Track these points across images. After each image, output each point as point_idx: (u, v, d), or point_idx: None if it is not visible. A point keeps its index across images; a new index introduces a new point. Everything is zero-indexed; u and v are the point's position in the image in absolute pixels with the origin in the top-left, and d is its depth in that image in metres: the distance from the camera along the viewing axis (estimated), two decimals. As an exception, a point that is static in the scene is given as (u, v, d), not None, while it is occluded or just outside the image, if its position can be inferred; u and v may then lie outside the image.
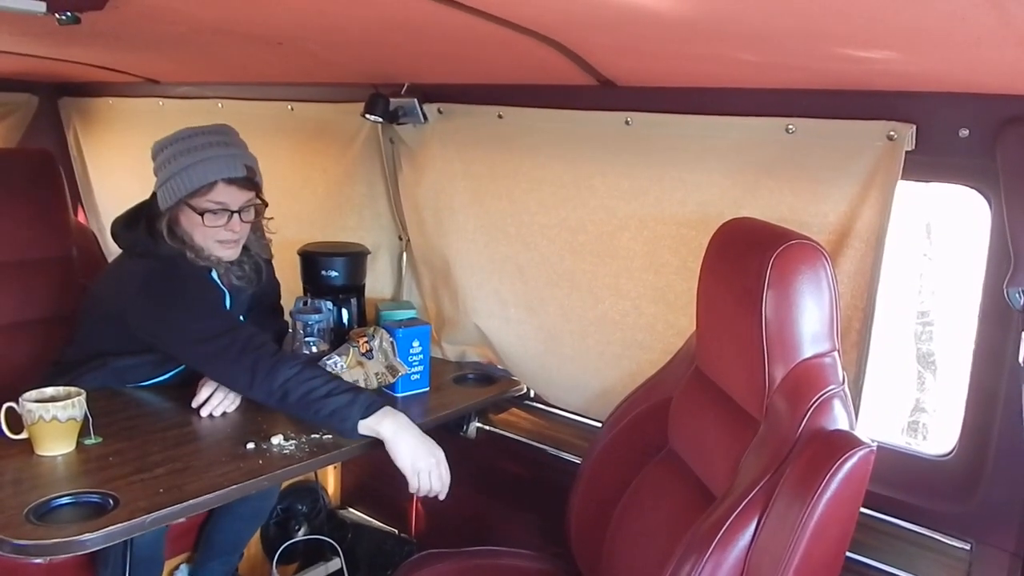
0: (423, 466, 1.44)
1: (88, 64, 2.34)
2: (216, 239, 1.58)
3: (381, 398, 1.51)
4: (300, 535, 1.99)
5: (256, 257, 1.72)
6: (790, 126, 1.38)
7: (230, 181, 1.55)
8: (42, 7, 1.30)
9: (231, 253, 1.62)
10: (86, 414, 1.41)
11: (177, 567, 1.87)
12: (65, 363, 1.67)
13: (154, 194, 1.61)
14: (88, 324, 1.68)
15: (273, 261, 1.84)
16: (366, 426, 1.43)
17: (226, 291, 1.67)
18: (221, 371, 1.52)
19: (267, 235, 1.76)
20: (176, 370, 1.68)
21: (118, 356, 1.63)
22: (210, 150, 1.54)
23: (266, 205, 1.67)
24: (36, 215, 2.13)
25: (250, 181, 1.59)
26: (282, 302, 1.92)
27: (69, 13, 1.34)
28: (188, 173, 1.53)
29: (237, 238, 1.61)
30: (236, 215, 1.57)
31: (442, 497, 1.48)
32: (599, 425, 1.62)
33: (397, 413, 1.46)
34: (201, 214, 1.55)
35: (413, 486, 1.45)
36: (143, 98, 2.63)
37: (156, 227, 1.59)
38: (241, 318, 1.74)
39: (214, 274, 1.64)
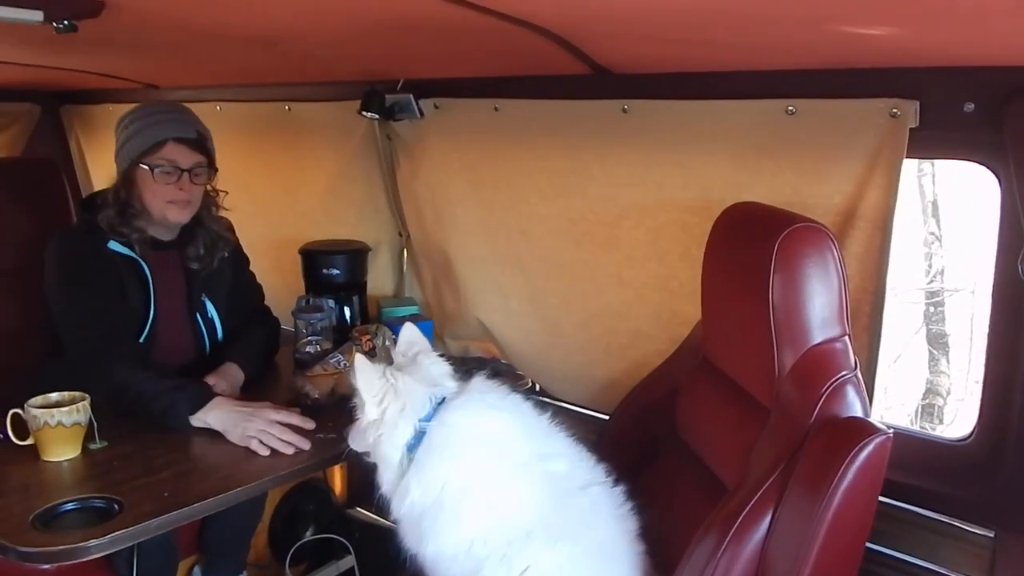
0: (256, 436, 1.42)
1: (88, 72, 2.35)
2: (167, 199, 1.62)
3: (205, 390, 1.51)
4: (308, 535, 1.99)
5: (212, 233, 1.75)
6: (790, 107, 1.36)
7: (180, 140, 1.62)
8: (39, 16, 1.31)
9: (182, 215, 1.66)
10: (91, 418, 1.41)
11: (191, 569, 1.88)
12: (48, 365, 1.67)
13: None
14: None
15: (267, 260, 1.85)
16: (198, 419, 1.47)
17: (144, 266, 1.65)
18: (77, 358, 1.56)
19: (223, 212, 1.78)
20: None
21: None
22: (162, 115, 1.65)
23: (216, 171, 1.71)
24: (41, 223, 2.14)
25: (200, 144, 1.65)
26: (284, 301, 1.92)
27: (66, 22, 1.36)
28: (141, 134, 1.62)
29: (188, 199, 1.64)
30: (187, 174, 1.62)
31: (303, 445, 1.41)
32: (606, 418, 1.61)
33: (221, 402, 1.48)
34: (152, 170, 1.60)
35: (263, 453, 1.41)
36: (143, 104, 2.63)
37: (95, 198, 1.68)
38: (208, 304, 1.74)
39: (127, 251, 1.63)
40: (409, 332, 1.30)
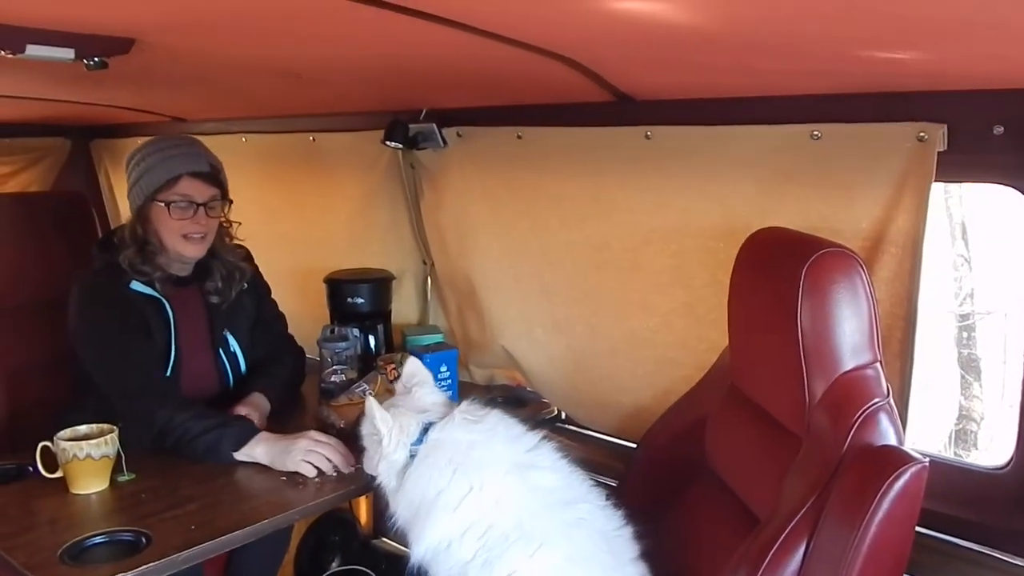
0: (304, 458, 1.45)
1: (117, 106, 2.41)
2: (183, 233, 1.62)
3: (249, 426, 1.53)
4: (334, 567, 1.97)
5: (228, 264, 1.75)
6: (815, 132, 1.35)
7: (195, 175, 1.61)
8: (70, 54, 1.35)
9: (197, 249, 1.65)
10: (119, 451, 1.42)
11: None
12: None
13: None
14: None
15: (292, 289, 1.86)
16: (243, 454, 1.48)
17: (166, 304, 1.65)
18: (115, 404, 1.55)
19: (236, 241, 1.79)
20: None
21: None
22: (175, 149, 1.63)
23: (231, 202, 1.70)
24: (70, 256, 2.17)
25: (214, 178, 1.65)
26: (310, 330, 1.93)
27: (97, 59, 1.39)
28: (155, 170, 1.61)
29: (204, 232, 1.64)
30: (202, 208, 1.62)
31: (345, 469, 1.46)
32: (634, 446, 1.58)
33: (266, 437, 1.50)
34: (168, 206, 1.60)
35: (310, 473, 1.45)
36: (170, 137, 2.69)
37: (111, 237, 1.68)
38: (230, 338, 1.74)
39: (150, 291, 1.64)
40: (410, 366, 1.39)
